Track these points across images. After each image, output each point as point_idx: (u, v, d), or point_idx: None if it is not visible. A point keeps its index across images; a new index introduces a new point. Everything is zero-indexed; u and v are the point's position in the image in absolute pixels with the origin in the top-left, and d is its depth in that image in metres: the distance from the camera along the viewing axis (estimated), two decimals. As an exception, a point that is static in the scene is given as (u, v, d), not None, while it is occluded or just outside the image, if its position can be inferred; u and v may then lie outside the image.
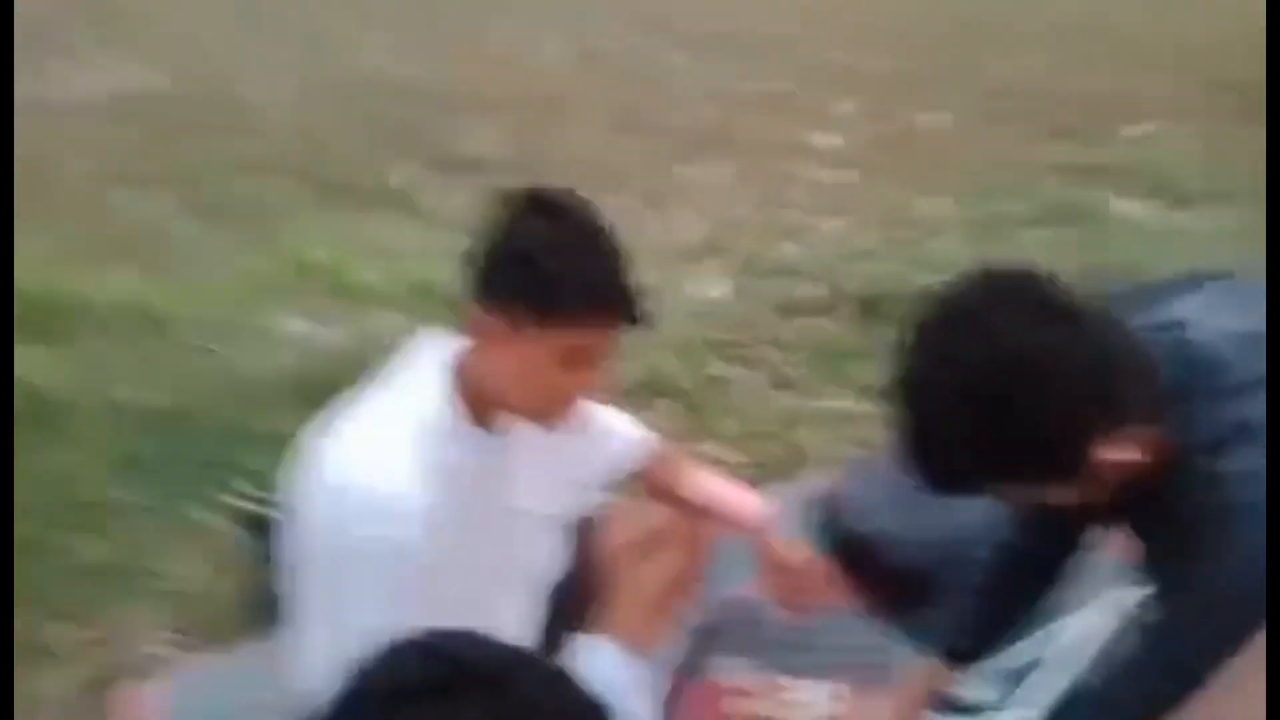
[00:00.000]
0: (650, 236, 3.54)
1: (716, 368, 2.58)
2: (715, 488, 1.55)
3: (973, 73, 6.42)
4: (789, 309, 2.80)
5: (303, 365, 2.45)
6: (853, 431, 2.34)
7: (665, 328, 2.70)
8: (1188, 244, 3.23)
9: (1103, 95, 5.78)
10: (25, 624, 1.66)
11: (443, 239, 3.56)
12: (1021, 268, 1.00)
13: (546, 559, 1.40)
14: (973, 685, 1.55)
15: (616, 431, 1.52)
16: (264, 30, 7.57)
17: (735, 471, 2.21)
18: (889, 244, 3.36)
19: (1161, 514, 1.02)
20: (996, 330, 0.92)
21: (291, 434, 2.25)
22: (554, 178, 4.71)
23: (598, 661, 1.27)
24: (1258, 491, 0.92)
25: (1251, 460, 0.93)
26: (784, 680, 1.58)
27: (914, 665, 1.44)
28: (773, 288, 2.95)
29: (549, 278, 1.06)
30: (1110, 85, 6.05)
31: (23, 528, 1.73)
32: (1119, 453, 0.94)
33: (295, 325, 2.69)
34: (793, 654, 1.65)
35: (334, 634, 1.17)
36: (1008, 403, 0.90)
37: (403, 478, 1.11)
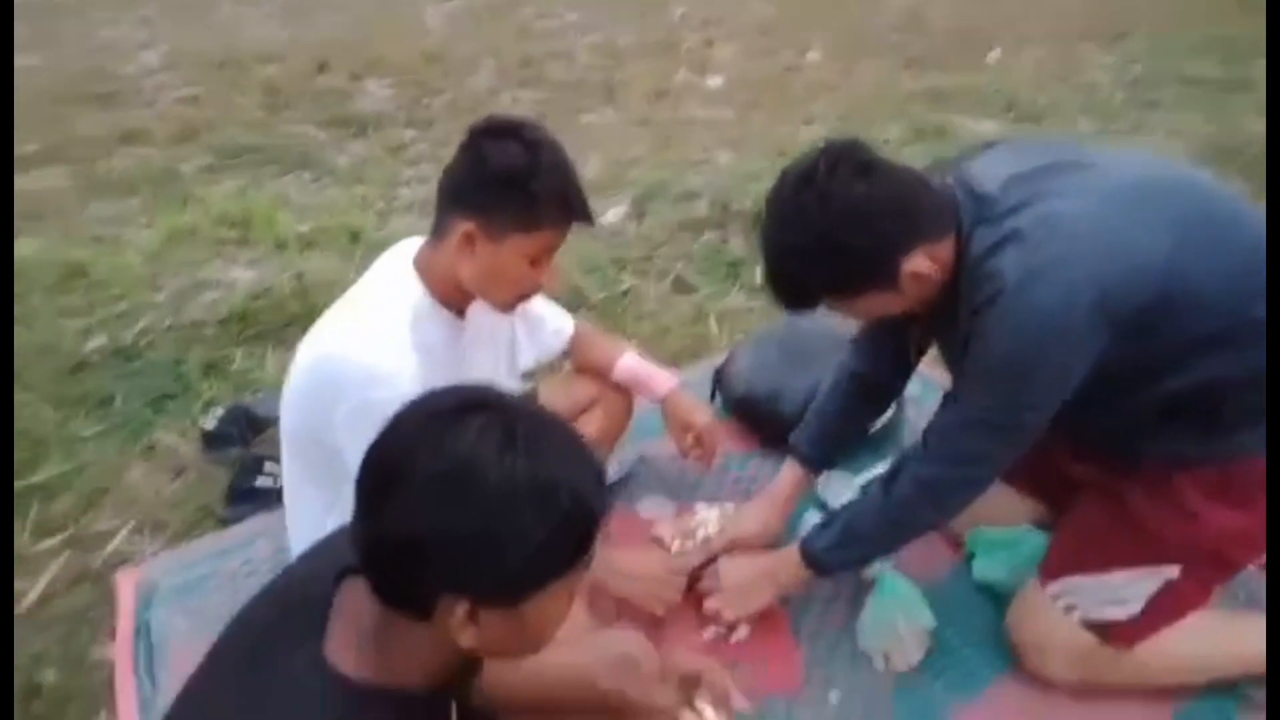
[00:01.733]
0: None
1: (626, 281, 2.84)
2: (631, 362, 1.83)
3: (841, 13, 6.79)
4: (687, 227, 3.08)
5: (246, 305, 2.59)
6: (747, 324, 2.64)
7: (576, 252, 2.96)
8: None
9: (960, 26, 6.23)
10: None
11: (351, 193, 3.71)
12: (846, 140, 1.29)
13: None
14: (834, 493, 1.89)
15: (547, 318, 1.78)
16: (139, 6, 7.39)
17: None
18: (775, 168, 3.65)
19: (952, 314, 1.31)
20: (826, 186, 1.23)
21: (239, 365, 2.45)
22: (451, 131, 4.86)
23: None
24: (1022, 273, 1.19)
25: (1014, 256, 1.21)
26: (690, 506, 1.90)
27: (783, 472, 1.75)
28: (672, 211, 3.21)
29: (534, 196, 1.30)
30: (966, 16, 6.50)
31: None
32: (920, 265, 1.25)
33: (233, 271, 2.81)
34: (695, 489, 1.97)
35: (337, 492, 1.39)
36: (837, 236, 1.23)
37: (395, 349, 1.32)
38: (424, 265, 1.42)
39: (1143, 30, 5.97)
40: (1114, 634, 1.44)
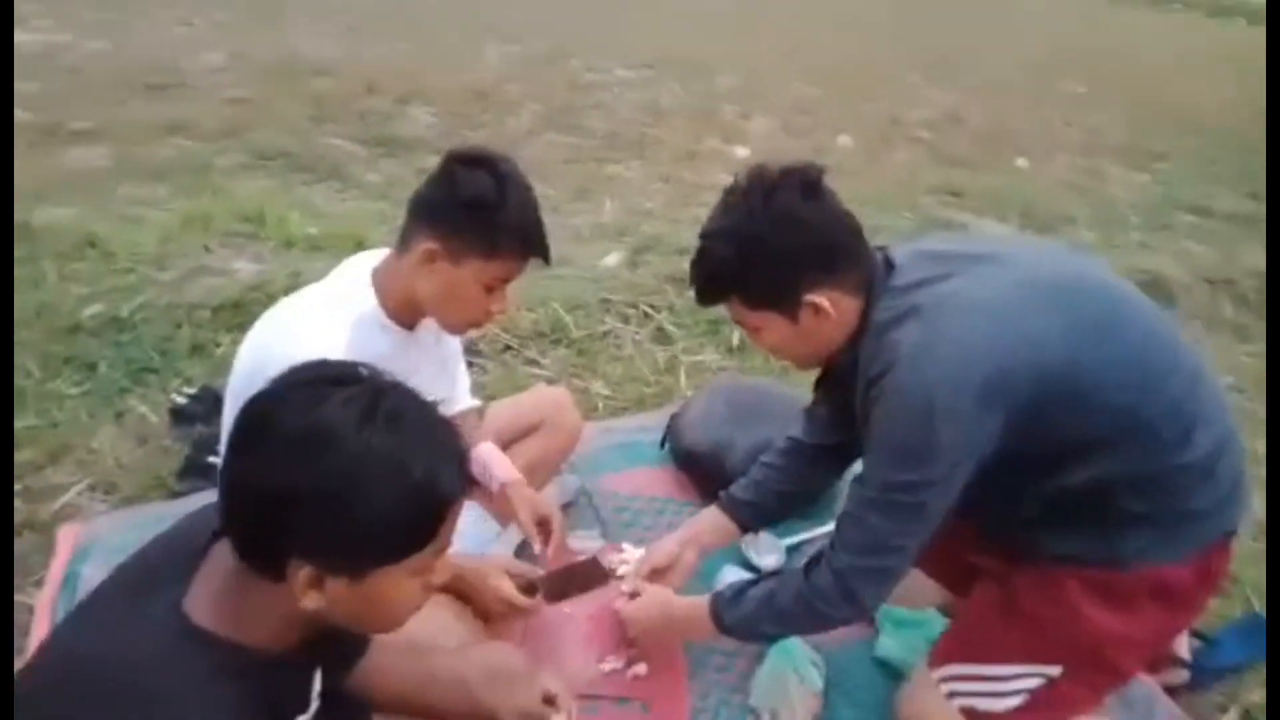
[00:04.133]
0: (569, 220, 3.91)
1: (609, 323, 2.92)
2: (482, 451, 1.73)
3: (881, 103, 6.95)
4: (677, 280, 3.16)
5: (241, 295, 2.70)
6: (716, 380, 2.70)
7: (565, 289, 3.05)
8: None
9: (995, 130, 6.36)
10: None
11: (371, 207, 3.85)
12: (809, 163, 1.34)
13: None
14: (759, 552, 1.93)
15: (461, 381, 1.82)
16: (214, 11, 7.74)
17: (613, 407, 2.57)
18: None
19: (853, 383, 1.36)
20: (774, 189, 1.29)
21: (224, 350, 2.55)
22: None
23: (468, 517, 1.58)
24: (915, 347, 1.24)
25: (912, 329, 1.26)
26: (618, 545, 1.94)
27: (711, 516, 1.74)
28: (666, 263, 3.30)
29: (497, 226, 1.37)
30: (1003, 121, 6.64)
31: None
32: (821, 299, 1.30)
33: (237, 262, 2.93)
34: (627, 529, 2.02)
35: None
36: (764, 233, 1.28)
37: (324, 346, 1.30)
38: (382, 276, 1.48)
39: (1177, 156, 6.08)
40: (989, 725, 1.45)
